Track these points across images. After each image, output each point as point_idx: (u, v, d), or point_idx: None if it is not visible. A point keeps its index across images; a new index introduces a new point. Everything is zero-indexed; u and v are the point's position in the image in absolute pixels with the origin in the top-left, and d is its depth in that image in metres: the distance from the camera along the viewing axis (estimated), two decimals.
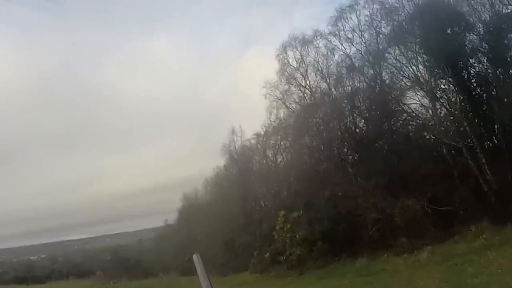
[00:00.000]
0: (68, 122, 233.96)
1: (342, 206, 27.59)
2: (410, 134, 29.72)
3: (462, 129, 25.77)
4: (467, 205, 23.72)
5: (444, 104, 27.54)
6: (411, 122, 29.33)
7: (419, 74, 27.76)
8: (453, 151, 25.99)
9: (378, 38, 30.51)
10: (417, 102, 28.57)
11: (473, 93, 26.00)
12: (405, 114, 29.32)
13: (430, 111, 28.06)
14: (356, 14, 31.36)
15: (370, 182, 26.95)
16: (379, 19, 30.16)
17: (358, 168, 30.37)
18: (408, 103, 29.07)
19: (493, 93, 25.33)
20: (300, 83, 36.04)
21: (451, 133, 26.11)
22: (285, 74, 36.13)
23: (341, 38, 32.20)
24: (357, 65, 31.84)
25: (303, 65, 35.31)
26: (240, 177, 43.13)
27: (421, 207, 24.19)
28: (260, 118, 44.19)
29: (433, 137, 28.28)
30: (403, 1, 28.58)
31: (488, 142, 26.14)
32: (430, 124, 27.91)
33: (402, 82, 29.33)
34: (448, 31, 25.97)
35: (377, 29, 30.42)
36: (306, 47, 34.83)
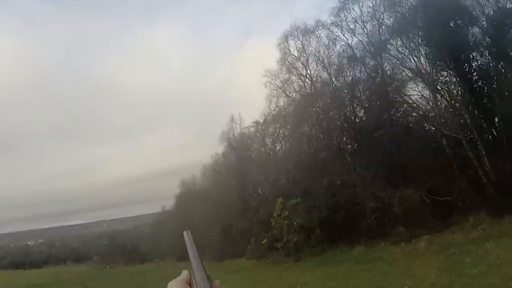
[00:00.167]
0: (69, 112, 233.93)
1: (340, 195, 27.79)
2: (410, 125, 29.87)
3: (462, 121, 25.91)
4: (465, 196, 24.00)
5: (445, 96, 27.69)
6: (411, 113, 29.46)
7: (421, 66, 27.91)
8: (452, 143, 26.19)
9: (381, 29, 30.53)
10: (418, 94, 28.76)
11: (474, 86, 26.13)
12: (405, 105, 29.46)
13: (430, 103, 28.24)
14: (359, 5, 31.37)
15: (369, 172, 27.17)
16: (382, 11, 30.19)
17: (357, 157, 30.59)
18: (409, 94, 29.24)
19: (494, 86, 25.50)
20: (300, 72, 36.15)
21: (451, 124, 26.27)
22: (286, 63, 36.22)
23: (343, 29, 32.27)
24: (358, 55, 31.87)
25: (304, 55, 35.44)
26: (239, 164, 43.21)
27: (419, 197, 24.44)
28: (259, 107, 44.39)
29: (433, 128, 28.47)
30: None
31: (488, 135, 26.34)
32: (430, 115, 28.07)
33: (404, 74, 29.49)
34: (451, 24, 26.06)
35: (380, 20, 30.45)
36: (308, 37, 34.93)
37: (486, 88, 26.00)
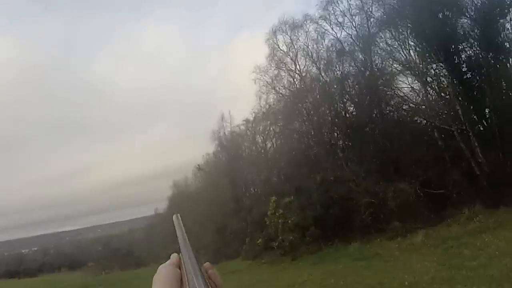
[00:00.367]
0: (59, 114, 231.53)
1: (334, 191, 27.61)
2: (400, 119, 29.76)
3: (453, 113, 25.83)
4: (459, 188, 23.95)
5: (435, 88, 27.65)
6: (402, 106, 29.36)
7: (410, 58, 27.80)
8: (444, 135, 26.14)
9: (369, 22, 30.34)
10: (408, 87, 28.69)
11: (464, 77, 26.06)
12: (396, 98, 29.36)
13: (421, 95, 28.19)
14: None
15: (361, 166, 27.04)
16: (370, 3, 30.00)
17: (349, 152, 30.47)
18: (399, 87, 29.13)
19: (484, 77, 25.40)
20: (290, 68, 35.86)
21: (443, 116, 26.20)
22: (274, 59, 35.90)
23: (332, 22, 31.97)
24: (347, 49, 31.65)
25: (293, 50, 35.13)
26: (230, 163, 42.88)
27: (413, 191, 24.32)
28: (249, 103, 43.98)
29: (424, 121, 28.38)
30: None
31: (479, 126, 26.26)
32: (421, 108, 28.00)
33: (393, 66, 29.40)
34: (440, 16, 25.93)
35: (368, 13, 30.25)
36: (296, 32, 34.61)
37: (476, 79, 25.94)
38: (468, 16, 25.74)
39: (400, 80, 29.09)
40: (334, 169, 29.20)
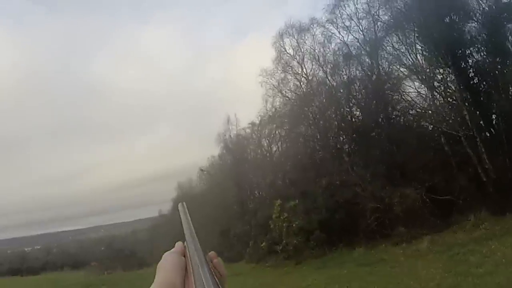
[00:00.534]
0: (61, 115, 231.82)
1: (339, 195, 27.47)
2: (407, 124, 29.59)
3: (459, 118, 25.69)
4: (466, 195, 23.77)
5: (442, 93, 27.48)
6: (409, 111, 29.19)
7: (417, 63, 27.65)
8: (451, 140, 25.94)
9: (376, 26, 30.27)
10: (415, 91, 28.53)
11: (471, 82, 25.95)
12: (403, 103, 29.21)
13: (427, 100, 28.02)
14: (354, 2, 30.98)
15: (368, 171, 26.90)
16: (377, 7, 29.93)
17: (355, 157, 30.30)
18: (406, 91, 28.99)
19: (491, 82, 25.25)
20: (296, 71, 35.70)
21: (450, 122, 26.03)
22: (281, 62, 35.76)
23: (339, 26, 31.88)
24: (354, 53, 31.56)
25: (300, 53, 34.97)
26: (235, 166, 42.80)
27: (419, 196, 24.15)
28: (256, 107, 43.93)
29: (431, 126, 28.20)
30: None
31: (486, 132, 26.09)
32: (428, 113, 27.82)
33: (400, 71, 29.27)
34: (447, 20, 25.83)
35: (375, 17, 30.18)
36: (303, 35, 34.49)
37: (483, 84, 25.80)
38: (475, 20, 25.66)
39: (407, 85, 28.96)
40: (340, 173, 29.07)
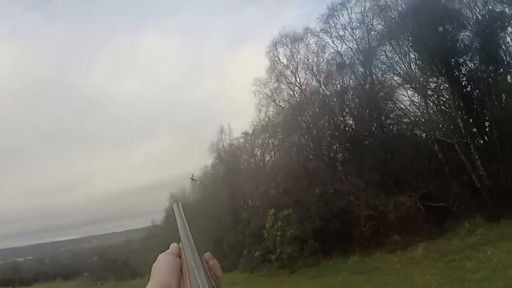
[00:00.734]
0: (55, 125, 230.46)
1: (333, 204, 27.37)
2: (400, 132, 29.64)
3: (452, 126, 25.81)
4: (460, 202, 23.76)
5: (435, 101, 27.61)
6: (402, 119, 29.26)
7: (411, 71, 27.79)
8: (444, 148, 25.98)
9: (370, 36, 30.47)
10: (408, 100, 28.66)
11: (465, 90, 26.11)
12: (396, 111, 29.30)
13: (421, 108, 28.14)
14: (348, 12, 31.22)
15: (361, 180, 26.87)
16: (371, 17, 30.15)
17: (349, 165, 30.25)
18: (399, 100, 29.11)
19: (484, 90, 25.42)
20: (290, 81, 35.75)
21: (443, 129, 26.12)
22: (275, 72, 35.83)
23: (332, 36, 32.05)
24: (347, 62, 31.70)
25: (293, 62, 35.05)
26: (228, 176, 42.61)
27: (414, 204, 24.11)
28: (249, 116, 43.87)
29: (424, 134, 28.27)
30: None
31: (480, 139, 26.20)
32: (421, 121, 27.91)
33: (393, 80, 29.43)
34: (441, 29, 26.00)
35: (369, 26, 30.38)
36: (297, 45, 34.60)
37: (476, 92, 25.96)
38: (469, 29, 25.88)
39: (400, 93, 29.12)
40: (334, 182, 29.01)
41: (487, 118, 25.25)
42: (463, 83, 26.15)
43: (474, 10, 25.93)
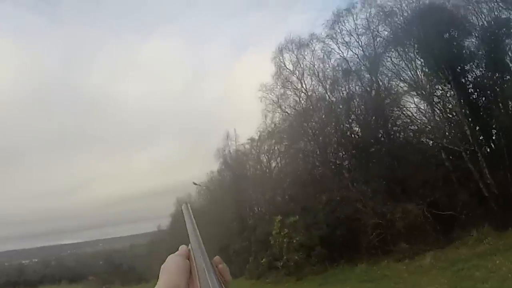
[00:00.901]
0: (61, 128, 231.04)
1: (340, 211, 27.33)
2: (407, 139, 29.55)
3: (459, 134, 25.74)
4: (468, 210, 23.62)
5: (441, 108, 27.55)
6: (409, 127, 29.21)
7: (417, 78, 27.75)
8: (451, 156, 25.89)
9: (375, 42, 30.49)
10: (414, 107, 28.61)
11: (471, 97, 26.01)
12: (403, 118, 29.25)
13: (427, 116, 28.08)
14: (353, 18, 31.29)
15: (368, 187, 26.81)
16: (377, 23, 30.17)
17: (355, 173, 30.18)
18: (406, 107, 29.05)
19: (491, 97, 25.34)
20: (295, 87, 35.79)
21: (450, 137, 26.05)
22: (281, 77, 35.90)
23: (338, 42, 32.10)
24: (353, 68, 31.72)
25: (299, 68, 35.13)
26: (234, 182, 42.64)
27: (421, 212, 24.02)
28: (255, 122, 43.90)
29: (431, 142, 28.19)
30: (402, 5, 28.61)
31: (487, 147, 26.09)
32: (428, 128, 27.84)
33: (399, 86, 29.39)
34: (447, 35, 25.95)
35: (375, 33, 30.40)
36: (302, 50, 34.67)
37: (482, 99, 25.87)
38: (475, 36, 25.82)
39: (407, 100, 29.06)
40: (340, 189, 28.96)
41: (494, 125, 25.14)
42: (470, 90, 26.04)
43: (480, 17, 25.92)
